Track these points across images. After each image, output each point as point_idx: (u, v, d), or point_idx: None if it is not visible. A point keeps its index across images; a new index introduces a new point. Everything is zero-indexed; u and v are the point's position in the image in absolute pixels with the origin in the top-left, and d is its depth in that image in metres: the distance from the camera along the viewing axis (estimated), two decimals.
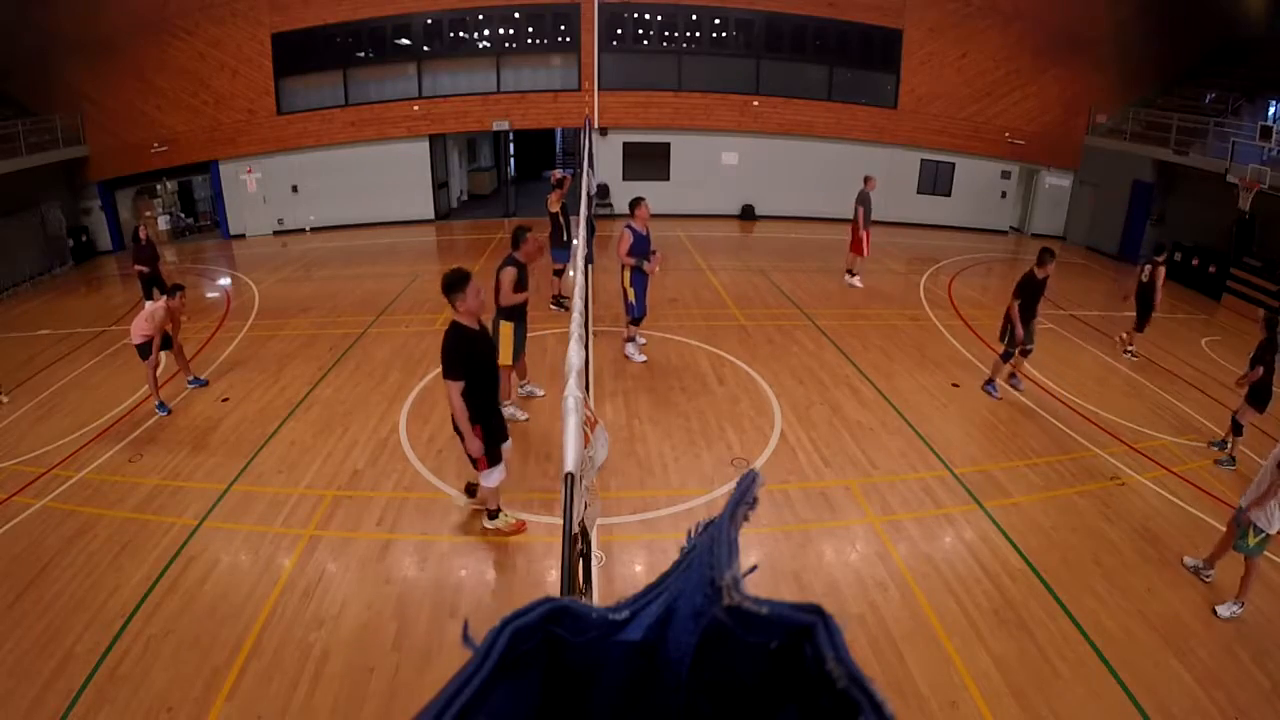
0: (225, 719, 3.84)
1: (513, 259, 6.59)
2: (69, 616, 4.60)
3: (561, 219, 9.75)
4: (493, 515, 5.28)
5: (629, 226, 8.00)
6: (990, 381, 8.13)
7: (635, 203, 8.11)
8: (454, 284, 4.47)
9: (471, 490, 5.51)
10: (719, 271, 13.05)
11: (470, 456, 4.84)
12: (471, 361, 4.53)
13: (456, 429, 4.73)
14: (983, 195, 17.75)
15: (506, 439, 5.04)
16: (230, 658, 4.23)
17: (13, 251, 13.17)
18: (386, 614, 4.60)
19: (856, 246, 11.85)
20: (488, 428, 4.76)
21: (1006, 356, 7.93)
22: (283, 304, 11.40)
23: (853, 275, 12.20)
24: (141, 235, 9.89)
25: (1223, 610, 4.78)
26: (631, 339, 8.68)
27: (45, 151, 14.41)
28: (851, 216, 11.77)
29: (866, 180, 11.64)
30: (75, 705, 3.92)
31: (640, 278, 8.14)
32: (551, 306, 10.30)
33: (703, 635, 0.40)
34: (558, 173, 11.40)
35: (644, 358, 8.59)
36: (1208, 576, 5.12)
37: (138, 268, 10.00)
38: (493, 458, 4.87)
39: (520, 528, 5.34)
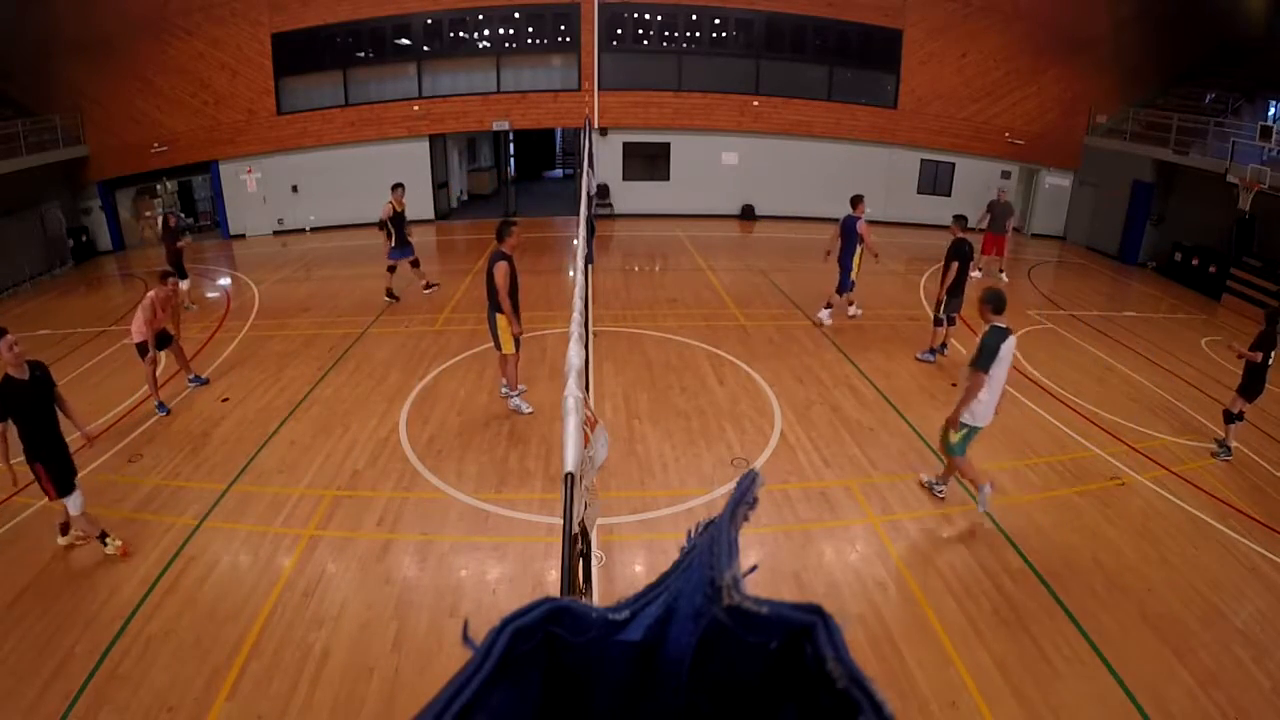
0: (225, 719, 3.84)
1: (502, 253, 6.61)
2: (69, 616, 4.60)
3: (390, 226, 10.71)
4: (104, 542, 5.19)
5: (861, 218, 9.46)
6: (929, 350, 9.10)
7: (859, 198, 9.55)
8: None
9: (65, 529, 5.36)
10: (719, 271, 13.05)
11: (46, 490, 5.01)
12: (16, 407, 4.86)
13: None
14: (983, 195, 17.67)
15: (76, 470, 5.17)
16: (230, 658, 4.24)
17: (13, 251, 13.14)
18: (386, 614, 4.60)
19: (990, 247, 13.03)
20: (51, 462, 4.97)
21: (938, 322, 9.02)
22: (283, 304, 11.40)
23: (1000, 271, 13.46)
24: (171, 221, 10.95)
25: (932, 483, 5.93)
26: (830, 305, 10.07)
27: (45, 151, 14.38)
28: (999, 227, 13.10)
29: (999, 192, 13.74)
30: (75, 705, 3.91)
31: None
32: (385, 299, 11.13)
33: (703, 635, 0.40)
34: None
35: (831, 321, 10.03)
36: (940, 492, 5.93)
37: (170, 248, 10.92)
38: (63, 488, 5.02)
39: (125, 549, 5.20)
